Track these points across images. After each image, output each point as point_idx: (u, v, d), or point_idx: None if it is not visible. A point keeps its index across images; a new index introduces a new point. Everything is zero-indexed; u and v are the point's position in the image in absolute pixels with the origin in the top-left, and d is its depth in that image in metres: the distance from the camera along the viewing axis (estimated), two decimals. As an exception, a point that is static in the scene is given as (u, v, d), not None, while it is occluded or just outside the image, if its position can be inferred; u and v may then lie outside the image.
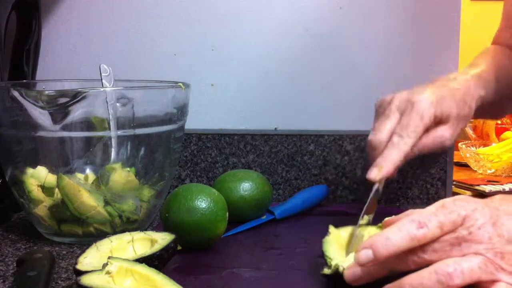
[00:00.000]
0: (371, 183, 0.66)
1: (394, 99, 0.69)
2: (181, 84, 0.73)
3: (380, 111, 0.71)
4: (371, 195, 0.65)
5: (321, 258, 0.59)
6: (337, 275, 0.54)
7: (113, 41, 0.95)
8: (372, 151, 0.67)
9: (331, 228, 0.63)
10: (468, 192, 1.04)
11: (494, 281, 0.48)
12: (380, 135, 0.67)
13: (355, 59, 0.92)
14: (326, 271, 0.56)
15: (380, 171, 0.65)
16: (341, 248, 0.60)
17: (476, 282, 0.48)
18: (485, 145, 1.31)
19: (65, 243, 0.70)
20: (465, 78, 0.73)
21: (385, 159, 0.65)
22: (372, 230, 0.61)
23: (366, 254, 0.49)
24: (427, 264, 0.49)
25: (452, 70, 0.92)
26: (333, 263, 0.56)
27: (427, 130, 0.67)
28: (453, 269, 0.47)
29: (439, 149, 0.69)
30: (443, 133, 0.68)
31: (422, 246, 0.49)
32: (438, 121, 0.68)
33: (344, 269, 0.53)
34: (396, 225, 0.50)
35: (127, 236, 0.61)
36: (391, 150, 0.65)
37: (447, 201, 0.52)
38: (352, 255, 0.56)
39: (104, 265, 0.52)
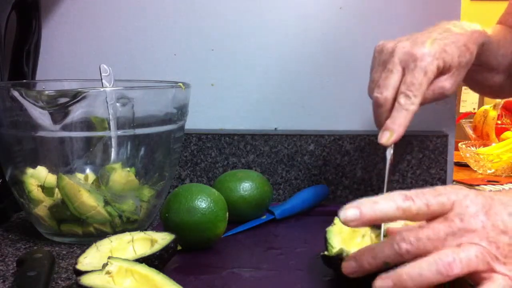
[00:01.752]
0: (383, 147, 0.67)
1: (396, 51, 0.67)
2: (181, 84, 0.73)
3: (380, 60, 0.69)
4: (387, 163, 0.67)
5: (321, 258, 0.59)
6: (337, 258, 0.54)
7: (113, 41, 0.95)
8: (378, 108, 0.67)
9: (336, 220, 0.62)
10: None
11: (490, 271, 0.48)
12: (386, 92, 0.66)
13: (355, 59, 0.92)
14: (327, 253, 0.57)
15: (391, 135, 0.65)
16: (343, 240, 0.60)
17: (473, 272, 0.48)
18: (485, 145, 1.31)
19: (65, 243, 0.70)
20: (470, 25, 0.71)
21: (394, 122, 0.65)
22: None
23: (352, 212, 0.50)
24: (421, 254, 0.49)
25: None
26: (335, 250, 0.56)
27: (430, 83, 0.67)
28: (452, 259, 0.47)
29: (440, 100, 0.69)
30: (444, 84, 0.68)
31: (415, 233, 0.49)
32: (440, 72, 0.67)
33: (347, 255, 0.54)
34: (386, 194, 0.51)
35: (127, 236, 0.61)
36: (400, 112, 0.65)
37: (440, 186, 0.52)
38: (355, 245, 0.56)
39: (104, 265, 0.52)
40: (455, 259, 0.47)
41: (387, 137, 0.65)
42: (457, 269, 0.47)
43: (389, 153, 0.67)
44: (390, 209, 0.50)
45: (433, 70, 0.66)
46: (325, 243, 0.59)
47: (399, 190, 0.51)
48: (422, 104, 0.67)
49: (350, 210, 0.50)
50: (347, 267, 0.52)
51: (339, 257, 0.54)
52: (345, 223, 0.50)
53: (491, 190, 1.03)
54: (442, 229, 0.49)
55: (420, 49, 0.66)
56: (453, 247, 0.48)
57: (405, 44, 0.67)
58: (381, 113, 0.67)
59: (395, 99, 0.66)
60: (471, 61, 0.70)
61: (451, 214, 0.49)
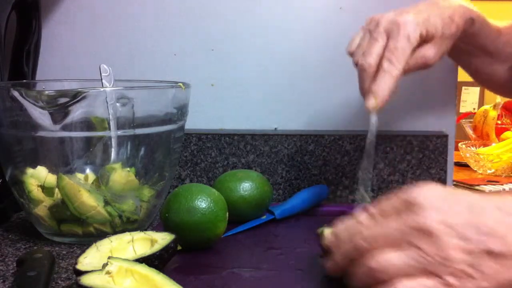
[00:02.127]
0: (368, 112, 0.68)
1: (381, 21, 0.70)
2: (181, 84, 0.73)
3: (367, 30, 0.71)
4: (373, 130, 0.69)
5: (321, 258, 0.59)
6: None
7: (113, 41, 0.95)
8: (362, 73, 0.69)
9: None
10: (468, 192, 1.04)
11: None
12: (369, 58, 0.68)
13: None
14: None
15: (376, 99, 0.67)
16: None
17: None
18: (485, 145, 1.31)
19: (65, 243, 0.70)
20: (457, 1, 0.73)
21: (379, 86, 0.67)
22: None
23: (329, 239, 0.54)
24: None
25: (452, 70, 0.92)
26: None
27: (413, 51, 0.68)
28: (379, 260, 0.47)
29: (423, 69, 0.70)
30: (426, 53, 0.69)
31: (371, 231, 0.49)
32: (423, 40, 0.69)
33: None
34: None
35: (127, 236, 0.61)
36: (383, 77, 0.67)
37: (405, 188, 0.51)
38: None
39: (104, 265, 0.52)
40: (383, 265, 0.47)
41: (373, 102, 0.67)
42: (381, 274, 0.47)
43: (374, 120, 0.68)
44: (351, 225, 0.51)
45: (415, 37, 0.67)
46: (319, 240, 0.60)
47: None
48: (405, 72, 0.69)
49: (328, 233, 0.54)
50: (325, 264, 0.54)
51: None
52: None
53: (491, 191, 1.03)
54: (388, 225, 0.48)
55: (404, 17, 0.68)
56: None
57: (391, 14, 0.70)
58: (365, 79, 0.68)
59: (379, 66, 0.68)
60: (456, 34, 0.72)
61: (402, 212, 0.48)
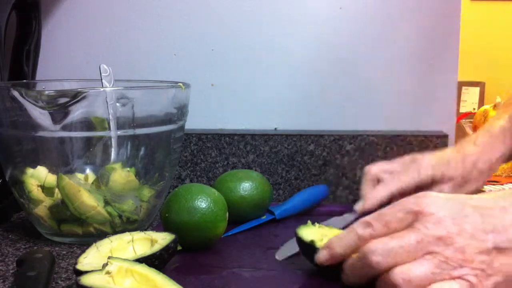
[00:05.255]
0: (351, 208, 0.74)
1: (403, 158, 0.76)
2: (181, 84, 0.73)
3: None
4: (342, 219, 0.74)
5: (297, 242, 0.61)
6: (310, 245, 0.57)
7: (113, 41, 0.95)
8: (365, 177, 0.75)
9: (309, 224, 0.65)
10: (468, 192, 1.04)
11: (450, 278, 0.48)
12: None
13: (355, 59, 0.92)
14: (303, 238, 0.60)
15: (364, 204, 0.73)
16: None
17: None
18: (485, 145, 1.31)
19: (65, 243, 0.70)
20: (483, 141, 0.74)
21: (372, 194, 0.73)
22: None
23: (323, 253, 0.55)
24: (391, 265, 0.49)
25: (452, 70, 0.92)
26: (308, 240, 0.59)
27: (422, 187, 0.72)
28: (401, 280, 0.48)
29: None
30: (441, 190, 0.71)
31: (384, 244, 0.49)
32: (438, 181, 0.72)
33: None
34: (349, 227, 0.54)
35: (127, 236, 0.61)
36: (380, 188, 0.73)
37: (408, 198, 0.52)
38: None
39: (104, 265, 0.52)
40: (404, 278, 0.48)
41: (360, 205, 0.74)
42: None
43: (350, 217, 0.74)
44: (352, 241, 0.52)
45: (426, 174, 0.73)
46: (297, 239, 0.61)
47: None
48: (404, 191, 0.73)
49: (321, 252, 0.55)
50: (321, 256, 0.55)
51: (312, 247, 0.57)
52: (321, 263, 0.55)
53: (491, 190, 1.03)
54: (408, 239, 0.48)
55: (421, 156, 0.75)
56: (420, 256, 0.48)
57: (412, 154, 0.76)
58: (365, 184, 0.75)
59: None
60: (481, 178, 0.75)
61: (416, 224, 0.49)
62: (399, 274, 0.48)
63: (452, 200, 0.50)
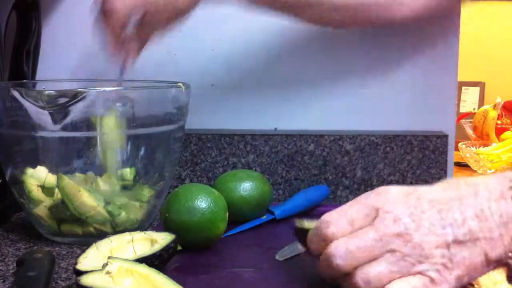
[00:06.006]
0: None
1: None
2: (181, 84, 0.73)
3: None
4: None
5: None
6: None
7: (113, 41, 0.94)
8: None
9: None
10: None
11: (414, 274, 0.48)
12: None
13: (355, 59, 0.92)
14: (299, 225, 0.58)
15: None
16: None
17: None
18: (485, 145, 1.31)
19: (65, 243, 0.70)
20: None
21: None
22: None
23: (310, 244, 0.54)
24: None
25: (452, 70, 0.92)
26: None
27: None
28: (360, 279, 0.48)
29: None
30: None
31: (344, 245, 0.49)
32: None
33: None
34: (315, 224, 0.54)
35: (127, 236, 0.61)
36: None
37: (363, 195, 0.52)
38: None
39: (104, 265, 0.52)
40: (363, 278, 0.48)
41: None
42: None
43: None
44: (320, 240, 0.52)
45: None
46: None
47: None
48: None
49: (308, 243, 0.54)
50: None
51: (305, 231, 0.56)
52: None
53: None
54: (366, 238, 0.49)
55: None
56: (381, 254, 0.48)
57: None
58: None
59: None
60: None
61: (375, 221, 0.49)
62: (359, 275, 0.48)
63: (409, 196, 0.50)
